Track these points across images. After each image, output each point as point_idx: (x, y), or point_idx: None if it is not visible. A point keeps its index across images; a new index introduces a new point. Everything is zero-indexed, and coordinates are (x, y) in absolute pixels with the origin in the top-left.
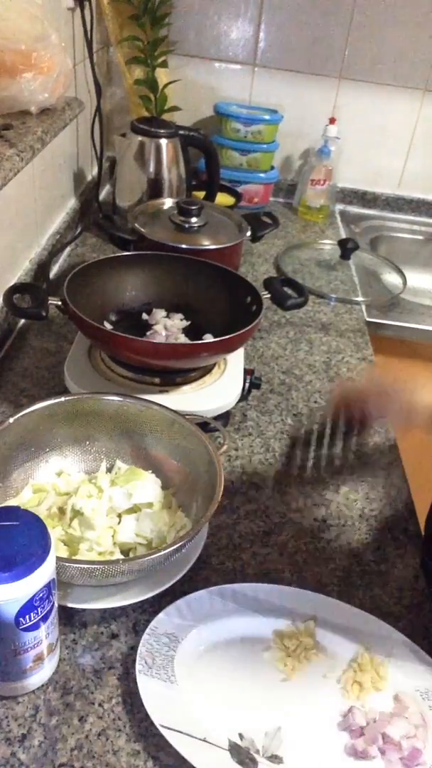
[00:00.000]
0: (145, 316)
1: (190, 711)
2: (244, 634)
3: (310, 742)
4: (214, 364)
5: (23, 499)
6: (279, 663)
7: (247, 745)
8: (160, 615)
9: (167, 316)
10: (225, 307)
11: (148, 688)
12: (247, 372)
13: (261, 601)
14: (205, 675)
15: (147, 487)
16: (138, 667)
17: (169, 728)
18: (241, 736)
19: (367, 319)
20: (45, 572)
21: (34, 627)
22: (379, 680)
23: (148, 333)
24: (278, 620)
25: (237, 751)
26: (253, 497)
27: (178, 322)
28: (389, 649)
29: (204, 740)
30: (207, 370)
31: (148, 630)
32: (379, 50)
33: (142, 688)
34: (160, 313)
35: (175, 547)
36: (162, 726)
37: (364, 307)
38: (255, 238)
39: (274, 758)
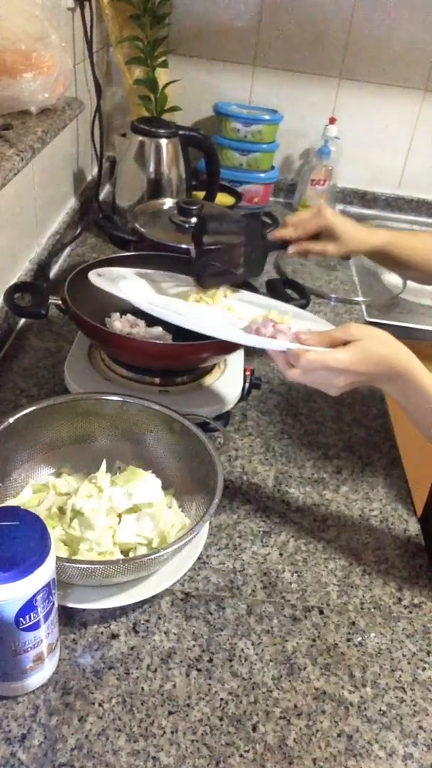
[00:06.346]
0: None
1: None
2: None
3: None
4: (214, 364)
5: (23, 499)
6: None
7: None
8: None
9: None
10: None
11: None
12: (247, 372)
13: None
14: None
15: (147, 487)
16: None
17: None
18: None
19: (367, 319)
20: (45, 572)
21: (34, 627)
22: (282, 321)
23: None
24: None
25: None
26: (253, 497)
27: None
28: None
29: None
30: (207, 370)
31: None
32: (379, 50)
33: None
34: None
35: (175, 547)
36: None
37: (364, 307)
38: None
39: None
